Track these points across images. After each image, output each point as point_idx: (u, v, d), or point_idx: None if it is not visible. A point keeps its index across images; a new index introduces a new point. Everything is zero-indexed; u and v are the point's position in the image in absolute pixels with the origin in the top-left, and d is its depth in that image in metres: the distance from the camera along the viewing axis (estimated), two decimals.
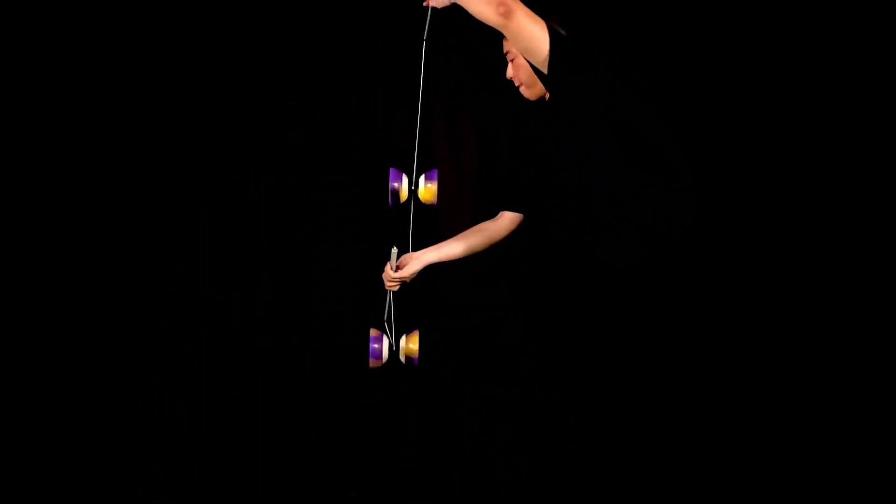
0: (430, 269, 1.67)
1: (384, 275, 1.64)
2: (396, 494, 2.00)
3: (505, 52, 1.40)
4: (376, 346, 1.80)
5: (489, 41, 1.44)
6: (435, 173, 1.85)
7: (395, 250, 1.61)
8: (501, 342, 1.36)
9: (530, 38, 1.23)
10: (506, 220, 1.55)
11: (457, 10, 1.36)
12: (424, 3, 1.50)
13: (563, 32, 1.24)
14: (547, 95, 1.37)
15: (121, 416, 2.03)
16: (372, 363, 1.82)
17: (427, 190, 1.86)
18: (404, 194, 1.83)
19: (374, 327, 1.79)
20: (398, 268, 1.63)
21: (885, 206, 1.80)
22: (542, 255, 1.25)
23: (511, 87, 1.37)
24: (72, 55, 1.98)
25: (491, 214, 1.58)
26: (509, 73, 1.40)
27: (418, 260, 1.61)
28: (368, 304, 2.00)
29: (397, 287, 1.67)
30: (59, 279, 2.00)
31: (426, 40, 1.60)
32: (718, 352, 1.74)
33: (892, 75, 1.78)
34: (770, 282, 1.84)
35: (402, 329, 1.78)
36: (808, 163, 1.83)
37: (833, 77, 1.81)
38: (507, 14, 1.23)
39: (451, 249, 1.62)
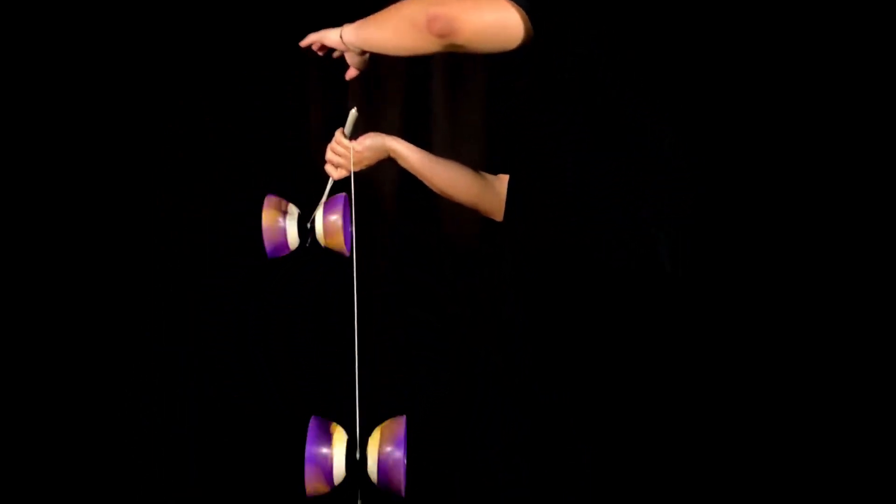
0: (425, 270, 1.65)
1: (331, 144, 1.36)
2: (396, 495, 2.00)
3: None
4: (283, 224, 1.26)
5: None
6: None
7: (354, 112, 1.33)
8: (500, 342, 1.36)
9: (494, 26, 1.08)
10: (497, 183, 1.44)
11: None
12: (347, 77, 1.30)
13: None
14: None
15: (121, 416, 2.03)
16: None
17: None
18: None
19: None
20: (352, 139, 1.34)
21: (885, 206, 1.80)
22: (542, 255, 1.25)
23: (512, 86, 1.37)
24: (72, 55, 1.99)
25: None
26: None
27: (380, 136, 1.37)
28: (372, 301, 2.00)
29: (344, 163, 1.34)
30: (59, 279, 2.00)
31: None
32: (719, 352, 1.74)
33: (892, 75, 1.78)
34: (771, 282, 1.84)
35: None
36: (808, 163, 1.83)
37: (833, 77, 1.81)
38: (448, 28, 1.07)
39: (417, 157, 1.39)
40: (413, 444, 1.11)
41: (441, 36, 1.08)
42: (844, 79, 1.80)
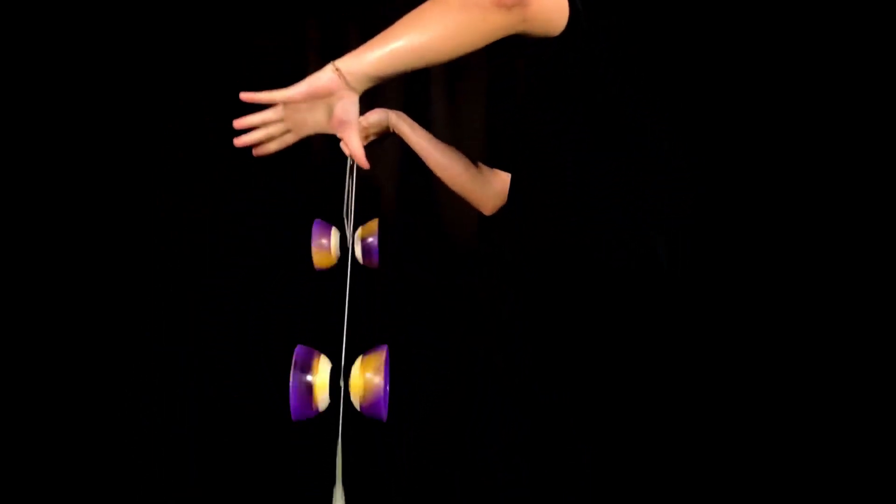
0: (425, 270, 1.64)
1: None
2: (397, 496, 2.00)
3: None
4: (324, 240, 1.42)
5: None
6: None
7: None
8: (501, 342, 1.36)
9: (555, 6, 1.02)
10: (492, 178, 1.49)
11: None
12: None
13: None
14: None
15: (121, 416, 2.03)
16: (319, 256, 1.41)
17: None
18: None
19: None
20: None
21: (885, 206, 1.80)
22: (541, 255, 1.25)
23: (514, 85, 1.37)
24: (72, 55, 1.99)
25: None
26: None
27: (384, 112, 1.43)
28: (374, 302, 2.00)
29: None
30: (60, 279, 2.00)
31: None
32: (719, 352, 1.74)
33: (892, 75, 1.78)
34: (771, 282, 1.84)
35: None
36: (808, 163, 1.83)
37: (833, 77, 1.81)
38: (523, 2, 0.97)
39: (415, 136, 1.46)
40: (414, 442, 1.12)
41: (511, 6, 0.97)
42: (844, 79, 1.80)
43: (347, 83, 0.98)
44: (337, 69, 0.98)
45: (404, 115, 1.46)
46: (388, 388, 1.09)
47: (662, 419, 1.22)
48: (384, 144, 1.48)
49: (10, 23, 1.95)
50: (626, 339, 1.20)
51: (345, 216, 1.42)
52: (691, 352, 1.25)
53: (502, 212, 1.44)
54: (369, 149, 1.42)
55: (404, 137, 1.47)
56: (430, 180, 1.62)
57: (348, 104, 1.00)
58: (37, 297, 1.99)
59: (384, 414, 1.09)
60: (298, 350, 1.11)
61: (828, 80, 1.80)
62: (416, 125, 1.47)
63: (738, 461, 1.78)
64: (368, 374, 1.08)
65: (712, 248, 1.74)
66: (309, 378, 1.07)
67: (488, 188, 1.49)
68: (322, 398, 1.08)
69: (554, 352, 1.23)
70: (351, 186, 1.43)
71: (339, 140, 1.10)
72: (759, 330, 1.83)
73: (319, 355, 1.12)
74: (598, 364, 1.20)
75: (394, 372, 1.13)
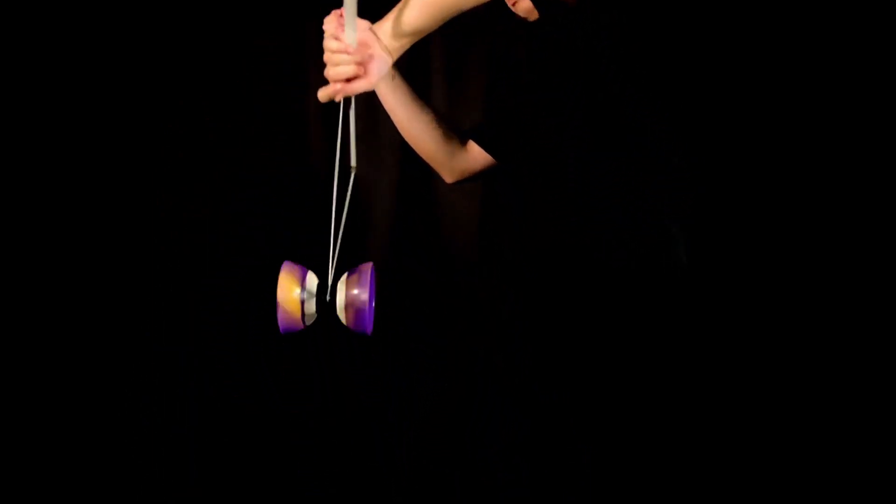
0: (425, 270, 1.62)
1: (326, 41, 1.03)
2: (397, 496, 2.00)
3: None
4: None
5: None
6: None
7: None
8: (501, 342, 1.36)
9: None
10: (462, 152, 1.43)
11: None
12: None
13: None
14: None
15: (121, 416, 2.03)
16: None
17: None
18: None
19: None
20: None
21: (885, 206, 1.80)
22: (542, 255, 1.25)
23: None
24: (72, 55, 1.98)
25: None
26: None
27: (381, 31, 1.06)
28: (377, 302, 1.99)
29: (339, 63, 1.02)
30: (59, 279, 2.00)
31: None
32: (719, 352, 1.74)
33: (892, 75, 1.78)
34: (771, 282, 1.83)
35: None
36: (808, 163, 1.83)
37: (833, 77, 1.81)
38: None
39: (384, 90, 1.29)
40: (413, 441, 1.11)
41: None
42: (844, 79, 1.79)
43: (379, 40, 1.04)
44: (370, 27, 1.03)
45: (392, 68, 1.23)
46: (373, 303, 1.11)
47: (662, 419, 1.22)
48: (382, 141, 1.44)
49: (10, 23, 1.95)
50: (626, 339, 1.20)
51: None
52: (691, 351, 1.25)
53: (502, 212, 1.43)
54: None
55: (380, 94, 1.33)
56: (431, 178, 1.62)
57: (380, 62, 1.05)
58: (37, 297, 1.99)
59: (370, 327, 1.10)
60: (285, 265, 1.11)
61: (827, 80, 1.80)
62: (396, 82, 1.30)
63: (739, 461, 1.78)
64: (354, 290, 1.09)
65: (712, 249, 1.73)
66: (296, 292, 1.07)
67: (453, 159, 1.42)
68: (309, 311, 1.09)
69: (554, 352, 1.23)
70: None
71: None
72: (760, 330, 1.82)
73: (307, 270, 1.11)
74: (598, 364, 1.20)
75: (380, 294, 1.14)
